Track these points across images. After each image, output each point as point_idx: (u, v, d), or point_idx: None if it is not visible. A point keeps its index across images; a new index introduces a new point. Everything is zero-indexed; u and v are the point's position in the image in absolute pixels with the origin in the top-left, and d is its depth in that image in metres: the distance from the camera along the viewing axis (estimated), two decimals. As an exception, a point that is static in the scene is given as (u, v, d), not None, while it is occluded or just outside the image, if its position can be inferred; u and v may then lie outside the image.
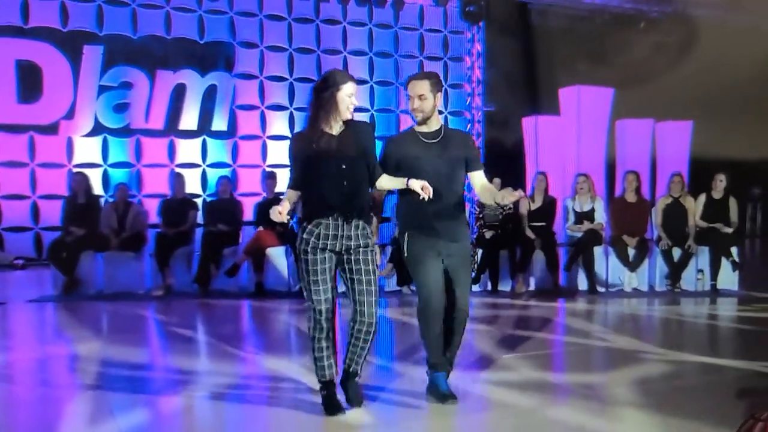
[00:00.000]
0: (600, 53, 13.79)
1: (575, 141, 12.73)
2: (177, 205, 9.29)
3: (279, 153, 13.29)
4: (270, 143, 13.42)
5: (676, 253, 9.01)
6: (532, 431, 3.97)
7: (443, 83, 4.47)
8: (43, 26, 12.01)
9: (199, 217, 9.57)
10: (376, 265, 4.13)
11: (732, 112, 13.59)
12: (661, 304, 8.34)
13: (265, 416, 4.23)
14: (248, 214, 9.53)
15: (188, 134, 12.92)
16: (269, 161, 13.27)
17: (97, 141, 12.36)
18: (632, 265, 8.98)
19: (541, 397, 4.48)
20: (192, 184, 12.61)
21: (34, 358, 5.84)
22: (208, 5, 12.92)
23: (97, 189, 11.32)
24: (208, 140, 13.03)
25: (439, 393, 4.31)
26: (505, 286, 8.99)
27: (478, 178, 4.49)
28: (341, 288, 4.20)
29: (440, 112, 4.62)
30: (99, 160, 12.37)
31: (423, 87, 4.30)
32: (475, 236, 9.10)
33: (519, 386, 4.71)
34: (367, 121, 12.42)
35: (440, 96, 4.38)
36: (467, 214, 4.65)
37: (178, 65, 12.82)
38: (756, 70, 12.71)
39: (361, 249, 4.05)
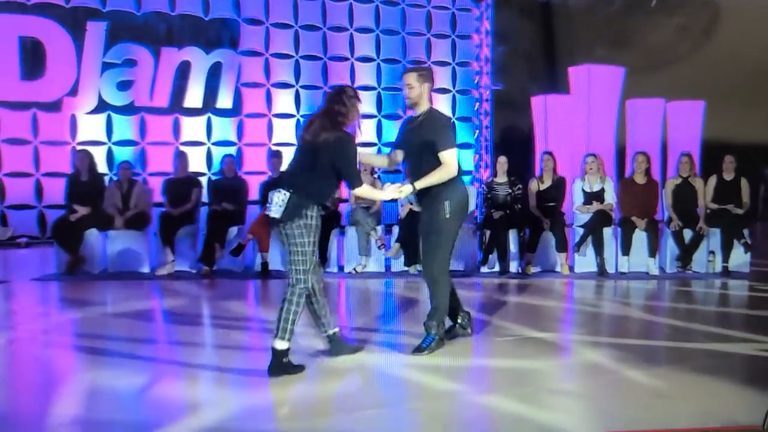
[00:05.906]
0: (612, 31, 13.60)
1: (585, 120, 12.58)
2: (181, 184, 9.19)
3: (285, 131, 13.16)
4: (276, 121, 13.29)
5: (687, 234, 8.89)
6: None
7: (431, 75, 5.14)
8: (45, 2, 11.87)
9: (204, 196, 9.46)
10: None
11: (746, 93, 13.38)
12: (671, 285, 8.26)
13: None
14: (253, 194, 9.43)
15: (193, 112, 12.80)
16: (275, 140, 13.13)
17: (101, 118, 12.26)
18: (651, 249, 8.83)
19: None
20: (197, 162, 12.50)
21: (36, 335, 5.78)
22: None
23: (102, 167, 11.21)
24: (213, 118, 12.91)
25: None
26: (513, 267, 8.88)
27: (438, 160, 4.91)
28: None
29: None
30: (103, 137, 12.28)
31: (410, 78, 4.96)
32: (483, 217, 9.00)
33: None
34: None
35: (428, 86, 5.00)
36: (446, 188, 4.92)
37: (182, 42, 12.69)
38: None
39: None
